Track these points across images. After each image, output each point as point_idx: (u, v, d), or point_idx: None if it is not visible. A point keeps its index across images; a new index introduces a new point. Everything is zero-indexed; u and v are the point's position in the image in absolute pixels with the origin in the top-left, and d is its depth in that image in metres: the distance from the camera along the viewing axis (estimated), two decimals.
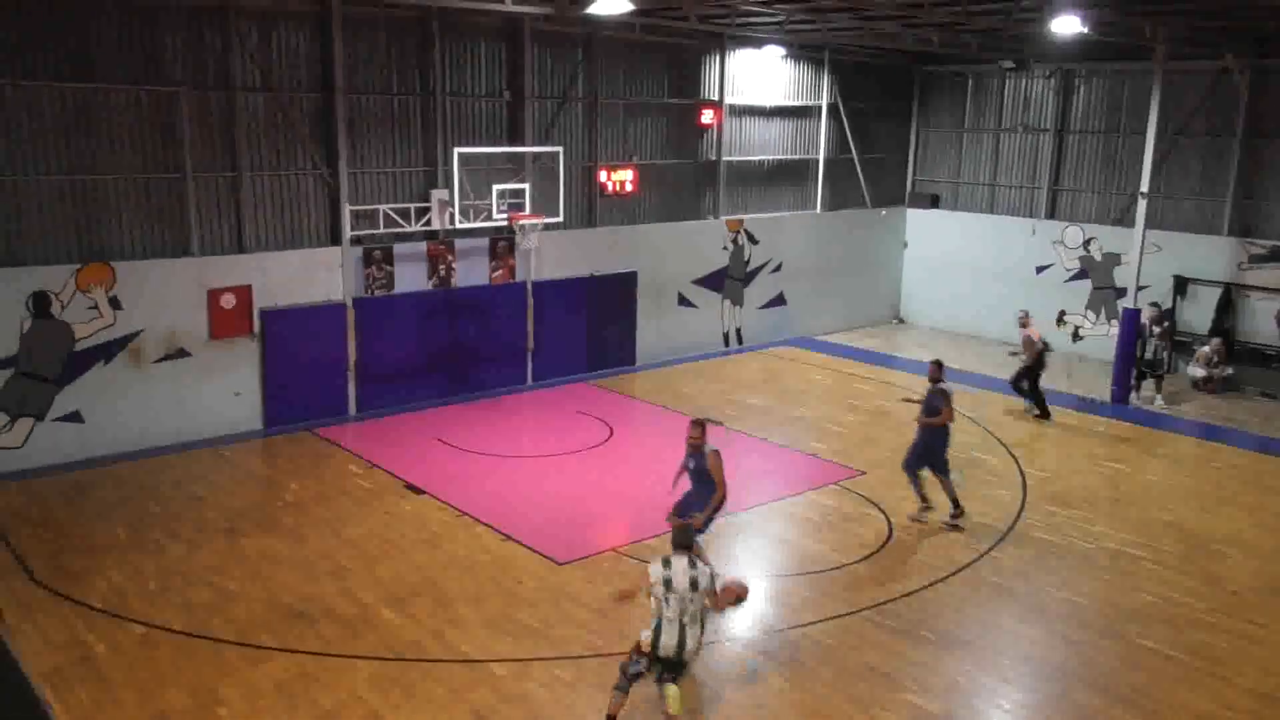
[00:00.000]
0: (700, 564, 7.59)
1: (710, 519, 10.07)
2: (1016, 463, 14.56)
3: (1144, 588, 10.72)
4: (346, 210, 15.50)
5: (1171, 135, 19.61)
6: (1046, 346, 17.09)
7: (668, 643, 7.37)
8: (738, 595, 8.08)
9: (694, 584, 7.39)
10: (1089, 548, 11.72)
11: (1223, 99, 19.38)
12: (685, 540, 7.73)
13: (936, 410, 12.05)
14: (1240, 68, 18.57)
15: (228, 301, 14.54)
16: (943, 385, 12.18)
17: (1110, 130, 21.16)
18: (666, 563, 7.46)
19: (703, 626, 7.56)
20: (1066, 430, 16.43)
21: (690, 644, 7.42)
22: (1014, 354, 18.61)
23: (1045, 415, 16.72)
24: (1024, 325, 17.07)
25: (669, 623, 7.36)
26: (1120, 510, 12.91)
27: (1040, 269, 22.23)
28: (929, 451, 12.23)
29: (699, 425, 10.07)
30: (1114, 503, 13.19)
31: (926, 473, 12.26)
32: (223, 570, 10.54)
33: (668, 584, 7.36)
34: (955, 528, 12.01)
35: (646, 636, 7.45)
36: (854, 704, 8.37)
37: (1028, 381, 16.87)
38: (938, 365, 12.35)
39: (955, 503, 12.16)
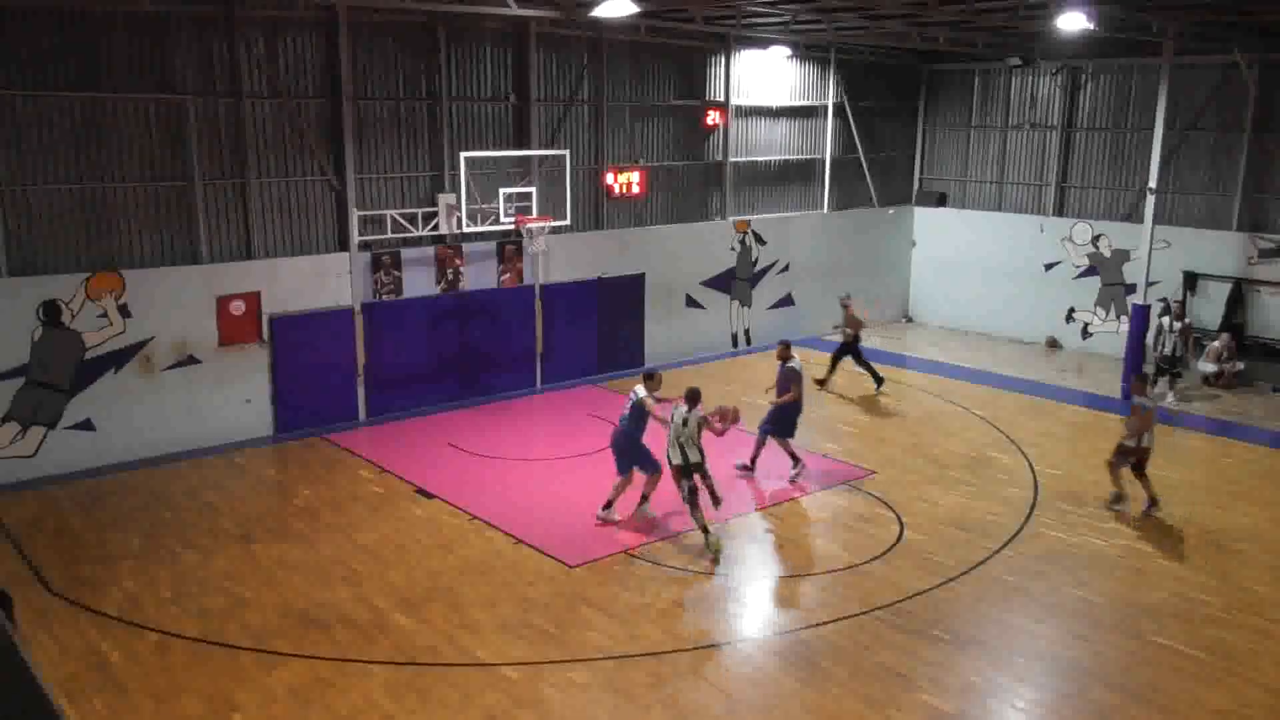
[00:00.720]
0: (695, 411, 11.08)
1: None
2: (1028, 461, 14.51)
3: (1159, 585, 10.67)
4: (354, 216, 15.54)
5: (1180, 131, 19.54)
6: (861, 324, 18.13)
7: (674, 457, 11.11)
8: (730, 417, 11.31)
9: (685, 423, 11.05)
10: (1102, 546, 11.67)
11: (1231, 93, 19.30)
12: (692, 396, 11.21)
13: (787, 388, 13.35)
14: (1249, 62, 18.49)
15: (237, 308, 14.59)
16: (792, 364, 13.49)
17: (1118, 126, 21.10)
18: (680, 410, 11.17)
19: (700, 450, 11.13)
20: (1078, 427, 16.37)
21: (693, 457, 11.08)
22: (836, 327, 19.51)
23: (879, 381, 17.86)
24: (846, 305, 18.13)
25: (673, 445, 11.09)
26: (1133, 507, 12.84)
27: (1049, 266, 22.17)
28: (782, 420, 13.52)
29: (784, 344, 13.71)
30: (1130, 498, 13.12)
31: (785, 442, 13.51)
32: (237, 577, 10.57)
33: (683, 421, 11.05)
34: (795, 480, 13.39)
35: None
36: (868, 705, 8.35)
37: (852, 355, 17.89)
38: (786, 345, 13.80)
39: (795, 459, 13.53)
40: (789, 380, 13.37)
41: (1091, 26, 14.44)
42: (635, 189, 18.87)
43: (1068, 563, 11.18)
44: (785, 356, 13.59)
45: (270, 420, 15.16)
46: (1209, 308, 19.66)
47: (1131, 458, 12.55)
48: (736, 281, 21.08)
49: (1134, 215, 20.16)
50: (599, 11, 14.13)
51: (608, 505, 11.98)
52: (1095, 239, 21.49)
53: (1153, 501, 12.55)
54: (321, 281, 15.41)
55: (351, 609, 9.88)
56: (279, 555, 11.11)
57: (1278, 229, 19.05)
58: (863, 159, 23.20)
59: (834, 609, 9.99)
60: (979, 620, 9.86)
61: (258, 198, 14.81)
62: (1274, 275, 18.96)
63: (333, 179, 15.42)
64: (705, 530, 11.09)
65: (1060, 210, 22.21)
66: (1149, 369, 18.07)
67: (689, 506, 11.12)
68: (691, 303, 20.28)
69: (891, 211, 24.07)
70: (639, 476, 11.93)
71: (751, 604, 10.38)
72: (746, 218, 21.09)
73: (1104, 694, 8.59)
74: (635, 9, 13.99)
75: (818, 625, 9.67)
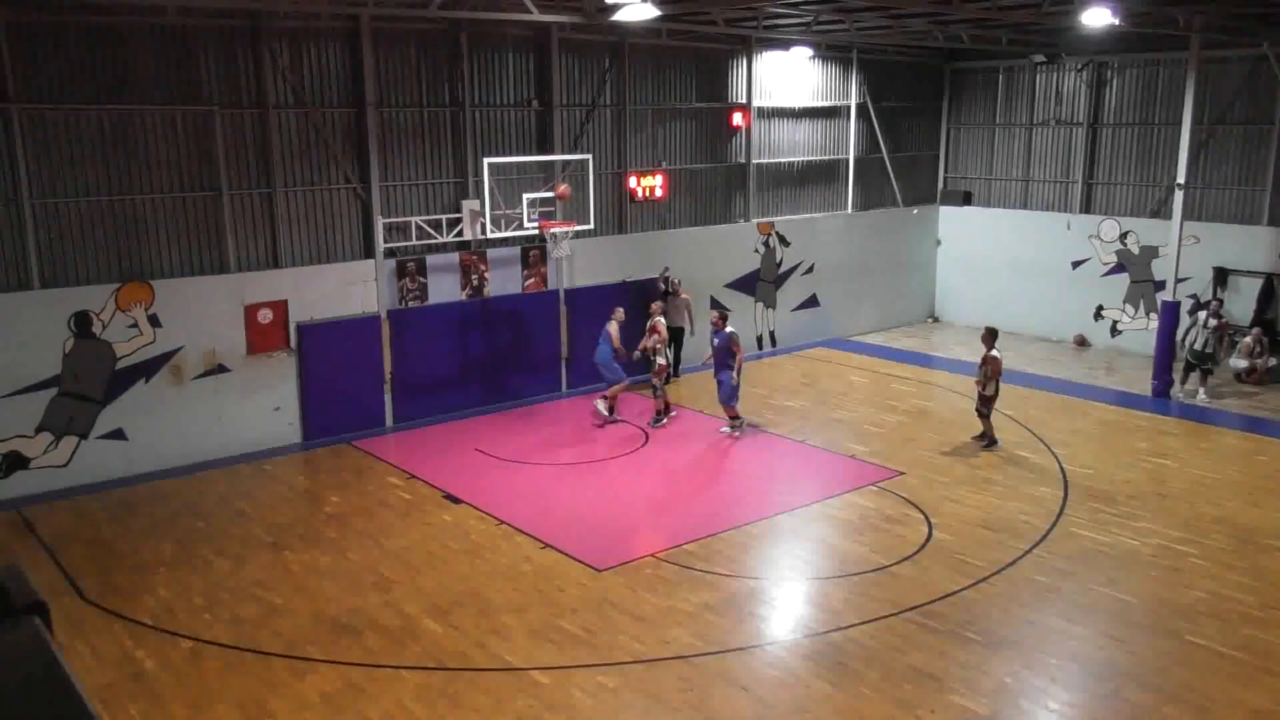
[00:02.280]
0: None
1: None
2: (1058, 460, 14.38)
3: (1193, 584, 10.54)
4: (379, 223, 15.65)
5: (1208, 125, 19.32)
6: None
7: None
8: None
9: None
10: (1135, 544, 11.55)
11: (1260, 86, 19.06)
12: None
13: (726, 359, 15.17)
14: (1278, 55, 18.26)
15: (265, 317, 14.72)
16: (730, 331, 15.23)
17: (1145, 122, 20.88)
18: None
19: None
20: (1108, 426, 16.21)
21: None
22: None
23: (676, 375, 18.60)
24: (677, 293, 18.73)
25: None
26: (1166, 506, 12.71)
27: (1076, 264, 21.98)
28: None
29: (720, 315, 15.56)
30: (1160, 498, 12.99)
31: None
32: (268, 584, 10.66)
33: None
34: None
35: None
36: (900, 707, 8.30)
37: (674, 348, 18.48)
38: (722, 317, 15.52)
39: (735, 419, 15.49)
40: (727, 349, 15.10)
41: (1116, 21, 14.31)
42: (658, 192, 18.89)
43: (1100, 562, 11.07)
44: (720, 325, 15.30)
45: (299, 428, 15.29)
46: (1240, 303, 19.39)
47: (993, 403, 14.75)
48: (761, 283, 21.04)
49: (1162, 211, 19.95)
50: (620, 15, 14.17)
51: (610, 408, 15.73)
52: (1123, 236, 21.28)
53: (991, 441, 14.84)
54: (347, 289, 15.53)
55: (382, 615, 9.94)
56: (310, 562, 11.19)
57: None
58: (886, 159, 23.10)
59: (864, 611, 9.94)
60: (1011, 621, 9.77)
61: (284, 207, 14.95)
62: None
63: (358, 187, 15.54)
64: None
65: (1087, 207, 22.01)
66: (1180, 364, 17.92)
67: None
68: (716, 305, 20.26)
69: (915, 211, 23.94)
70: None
71: (780, 607, 10.34)
72: (770, 219, 21.05)
73: (1139, 694, 8.50)
74: (656, 13, 14.01)
75: (847, 628, 9.62)
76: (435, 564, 11.11)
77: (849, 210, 22.60)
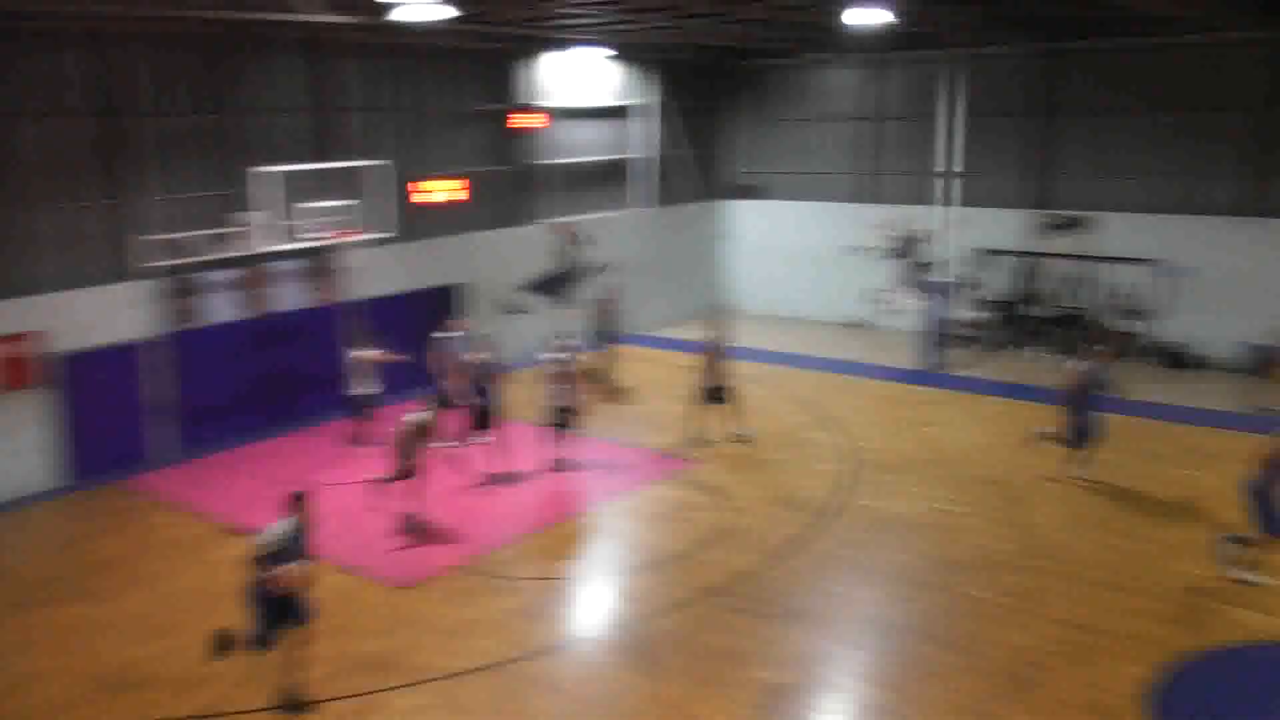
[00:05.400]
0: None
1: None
2: (842, 436, 15.15)
3: (964, 541, 11.37)
4: (142, 241, 14.55)
5: (976, 117, 20.79)
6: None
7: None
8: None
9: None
10: (914, 509, 12.33)
11: (1023, 82, 20.80)
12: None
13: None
14: (1037, 53, 20.02)
15: (9, 351, 13.35)
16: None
17: (919, 114, 22.09)
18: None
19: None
20: (883, 399, 17.25)
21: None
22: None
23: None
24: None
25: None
26: (941, 471, 13.63)
27: (856, 250, 23.14)
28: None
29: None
30: (936, 464, 13.92)
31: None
32: (25, 648, 9.66)
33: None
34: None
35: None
36: (707, 686, 8.51)
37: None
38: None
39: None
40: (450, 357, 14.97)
41: (888, 22, 15.04)
42: (450, 196, 18.42)
43: (884, 528, 11.76)
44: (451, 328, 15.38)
45: (61, 470, 14.05)
46: (1003, 281, 21.13)
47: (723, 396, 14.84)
48: (558, 283, 21.04)
49: (932, 198, 21.29)
50: (399, 16, 13.63)
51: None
52: (899, 222, 22.61)
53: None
54: (112, 313, 14.37)
55: (165, 664, 9.25)
56: (75, 617, 10.23)
57: (1064, 205, 20.63)
58: (681, 156, 23.77)
59: (667, 599, 10.14)
60: (807, 593, 10.22)
61: (29, 227, 13.64)
62: (1060, 248, 20.54)
63: (117, 203, 14.39)
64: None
65: (867, 197, 23.30)
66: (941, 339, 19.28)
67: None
68: (513, 308, 20.11)
69: (712, 205, 24.75)
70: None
71: (586, 604, 10.41)
72: (567, 219, 21.12)
73: (922, 646, 9.09)
74: (438, 14, 13.58)
75: (652, 617, 9.78)
76: (221, 602, 10.45)
77: (645, 207, 23.05)
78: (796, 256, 24.10)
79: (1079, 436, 12.79)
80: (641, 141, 22.80)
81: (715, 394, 14.88)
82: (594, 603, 10.45)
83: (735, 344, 16.14)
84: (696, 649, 9.15)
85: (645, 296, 23.09)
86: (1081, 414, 12.73)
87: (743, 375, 18.60)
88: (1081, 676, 8.52)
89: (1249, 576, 10.10)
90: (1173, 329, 19.41)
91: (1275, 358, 18.04)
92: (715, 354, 14.91)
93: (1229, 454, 13.75)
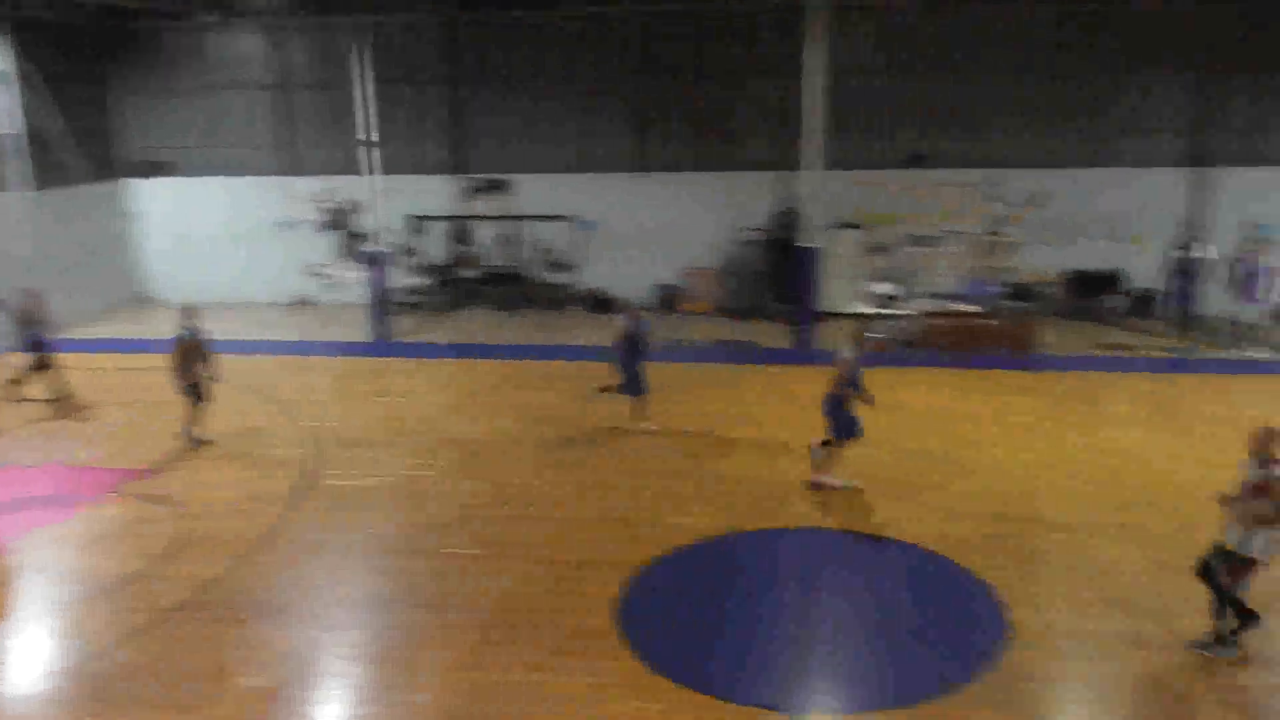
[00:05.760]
0: None
1: None
2: (296, 418, 14.67)
3: (439, 502, 11.68)
4: None
5: (390, 84, 20.91)
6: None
7: None
8: None
9: None
10: (382, 480, 12.37)
11: (428, 50, 21.22)
12: None
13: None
14: (438, 20, 20.57)
15: None
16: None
17: (328, 83, 21.77)
18: None
19: None
20: (338, 375, 17.04)
21: None
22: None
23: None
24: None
25: None
26: (403, 438, 13.82)
27: (287, 225, 22.37)
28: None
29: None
30: (396, 432, 14.07)
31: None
32: None
33: None
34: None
35: None
36: (185, 712, 7.78)
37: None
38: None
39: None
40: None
41: None
42: None
43: (356, 505, 11.63)
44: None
45: None
46: (437, 246, 21.81)
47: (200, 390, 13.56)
48: None
49: (358, 168, 21.17)
50: None
51: None
52: (327, 193, 22.21)
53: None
54: None
55: None
56: None
57: (482, 169, 21.70)
58: (61, 131, 20.66)
59: (127, 626, 9.04)
60: (285, 587, 9.77)
61: None
62: (485, 210, 21.67)
63: None
64: None
65: (288, 169, 22.43)
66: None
67: None
68: None
69: (115, 186, 22.02)
70: None
71: (24, 653, 8.86)
72: None
73: (413, 614, 9.18)
74: None
75: (111, 650, 8.66)
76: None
77: (20, 192, 19.78)
78: (226, 236, 22.57)
79: (635, 385, 13.69)
80: (6, 118, 19.53)
81: (196, 390, 13.48)
82: (34, 648, 8.94)
83: (163, 338, 14.71)
84: (169, 672, 8.30)
85: (44, 294, 20.06)
86: (632, 364, 13.60)
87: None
88: (564, 606, 9.24)
89: (831, 480, 11.73)
90: (592, 277, 21.69)
91: (680, 293, 21.16)
92: (193, 347, 13.37)
93: (656, 383, 15.79)
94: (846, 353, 11.48)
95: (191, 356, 13.32)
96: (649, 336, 14.26)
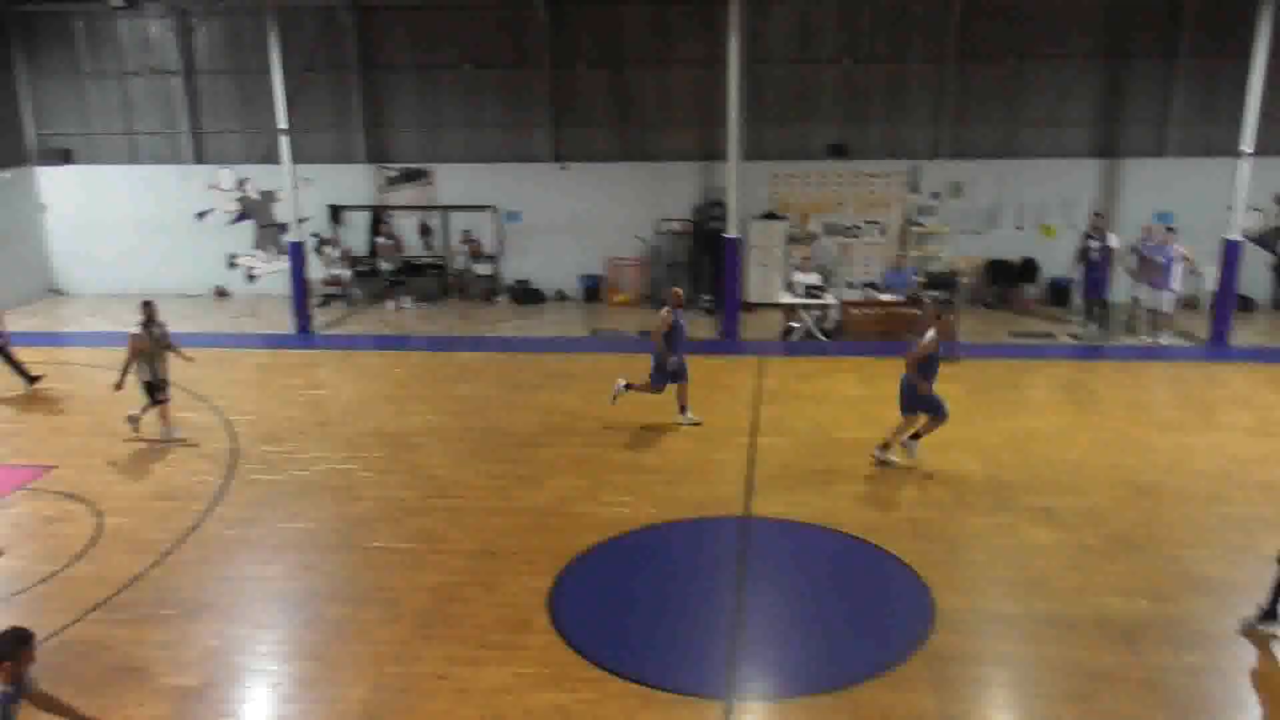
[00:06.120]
0: None
1: None
2: (221, 414, 14.34)
3: (363, 496, 11.53)
4: None
5: (300, 71, 20.44)
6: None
7: None
8: None
9: None
10: (308, 475, 12.15)
11: (338, 36, 20.79)
12: None
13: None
14: (345, 7, 20.14)
15: None
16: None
17: (240, 70, 21.25)
18: None
19: None
20: (262, 369, 16.67)
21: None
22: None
23: (32, 380, 15.56)
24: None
25: None
26: (328, 431, 13.60)
27: (202, 214, 21.81)
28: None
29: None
30: (321, 426, 13.83)
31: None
32: None
33: None
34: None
35: None
36: (109, 713, 7.55)
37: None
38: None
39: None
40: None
41: None
42: None
43: (280, 500, 11.42)
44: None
45: None
46: (357, 236, 21.44)
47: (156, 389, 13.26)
48: None
49: (273, 156, 20.70)
50: None
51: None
52: (242, 183, 21.67)
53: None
54: None
55: None
56: None
57: (398, 158, 21.37)
58: None
59: (41, 628, 8.70)
60: (204, 584, 9.55)
61: None
62: (402, 200, 21.35)
63: None
64: None
65: (200, 157, 21.84)
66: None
67: None
68: None
69: (9, 175, 21.14)
70: None
71: None
72: None
73: (338, 609, 9.05)
74: None
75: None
76: None
77: None
78: (139, 226, 21.88)
79: (680, 373, 13.48)
80: None
81: (150, 388, 13.12)
82: None
83: (80, 329, 14.25)
84: (88, 676, 8.06)
85: None
86: (676, 354, 13.34)
87: (94, 364, 16.66)
88: (493, 598, 9.19)
89: (891, 457, 12.05)
90: (515, 268, 21.54)
91: (605, 285, 21.12)
92: (154, 342, 13.04)
93: (585, 374, 15.80)
94: (928, 337, 11.72)
95: (150, 353, 12.98)
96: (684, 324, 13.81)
